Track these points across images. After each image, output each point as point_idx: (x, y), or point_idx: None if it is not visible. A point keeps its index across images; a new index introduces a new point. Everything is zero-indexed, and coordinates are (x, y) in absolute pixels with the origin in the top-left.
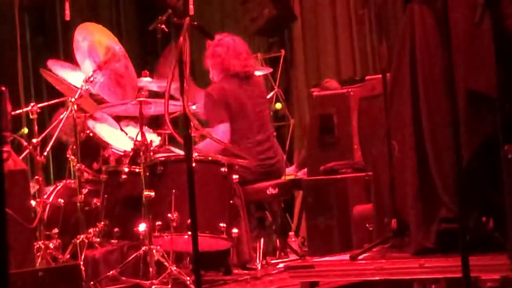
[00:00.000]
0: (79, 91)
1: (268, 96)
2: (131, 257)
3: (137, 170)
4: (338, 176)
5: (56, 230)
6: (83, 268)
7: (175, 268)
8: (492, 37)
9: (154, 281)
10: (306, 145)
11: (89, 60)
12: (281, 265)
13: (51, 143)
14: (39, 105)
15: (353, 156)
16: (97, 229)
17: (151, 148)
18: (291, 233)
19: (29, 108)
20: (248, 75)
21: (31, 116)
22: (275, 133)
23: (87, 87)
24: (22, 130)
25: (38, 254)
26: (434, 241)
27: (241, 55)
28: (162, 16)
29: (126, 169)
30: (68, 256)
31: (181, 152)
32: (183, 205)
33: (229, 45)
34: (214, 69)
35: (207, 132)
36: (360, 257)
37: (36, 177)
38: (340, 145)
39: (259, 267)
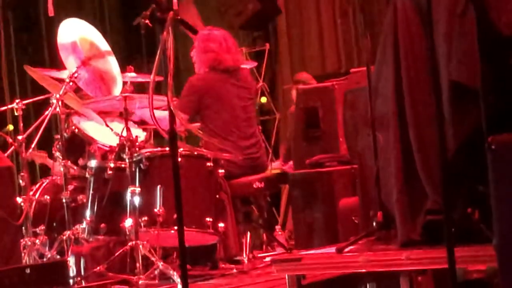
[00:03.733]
0: (63, 87)
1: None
2: (117, 253)
3: (123, 165)
4: (324, 170)
5: (42, 227)
6: (70, 265)
7: (162, 263)
8: (476, 29)
9: (141, 276)
10: (289, 137)
11: (73, 56)
12: (268, 259)
13: (36, 140)
14: (24, 101)
15: (338, 149)
16: (83, 225)
17: (137, 144)
18: (278, 227)
19: (14, 105)
20: (236, 68)
21: (16, 113)
22: (260, 128)
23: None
24: (7, 127)
25: (25, 251)
26: (420, 233)
27: (232, 49)
28: (146, 11)
29: (112, 165)
30: (55, 252)
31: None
32: (169, 200)
33: (221, 40)
34: (203, 63)
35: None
36: (346, 249)
37: (22, 173)
38: (326, 139)
39: (246, 261)
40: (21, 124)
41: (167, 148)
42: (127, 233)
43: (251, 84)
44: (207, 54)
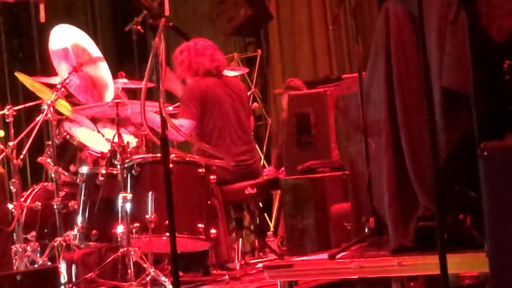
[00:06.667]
0: (55, 93)
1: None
2: (109, 259)
3: (114, 172)
4: (316, 175)
5: (33, 233)
6: (61, 271)
7: (153, 269)
8: (467, 36)
9: (132, 282)
10: (281, 144)
11: (64, 63)
12: (260, 265)
13: (27, 146)
14: (15, 108)
15: (330, 155)
16: (75, 231)
17: (128, 150)
18: (270, 233)
19: (5, 111)
20: (219, 70)
21: (7, 119)
22: (253, 134)
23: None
24: None
25: (16, 257)
26: (412, 239)
27: (206, 51)
28: (138, 17)
29: (103, 171)
30: (46, 259)
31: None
32: (160, 206)
33: (190, 47)
34: (186, 76)
35: (171, 122)
36: (338, 256)
37: (13, 180)
38: (317, 144)
39: (238, 267)
40: (12, 130)
41: (159, 154)
42: (119, 239)
43: (241, 91)
44: (182, 66)
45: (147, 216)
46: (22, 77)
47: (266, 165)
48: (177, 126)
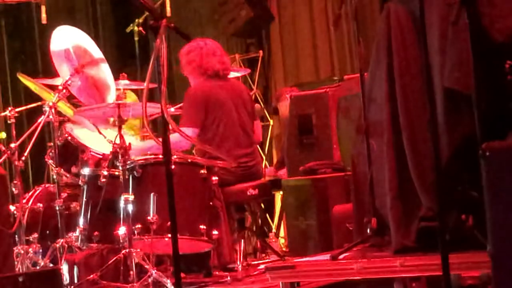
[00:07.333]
0: (56, 95)
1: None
2: (111, 261)
3: (116, 173)
4: (318, 176)
5: (35, 235)
6: (63, 273)
7: (155, 271)
8: (469, 36)
9: (134, 284)
10: (283, 144)
11: (66, 64)
12: (262, 266)
13: (29, 148)
14: (17, 109)
15: (332, 156)
16: (76, 233)
17: (130, 151)
18: (272, 234)
19: (7, 112)
20: (226, 73)
21: (8, 121)
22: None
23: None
24: (0, 134)
25: (18, 259)
26: (414, 240)
27: (216, 52)
28: (139, 18)
29: (105, 173)
30: (48, 260)
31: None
32: (162, 208)
33: (201, 47)
34: (192, 75)
35: (177, 127)
36: (340, 256)
37: (15, 181)
38: (319, 145)
39: (240, 269)
40: (14, 132)
41: (161, 156)
42: (121, 241)
43: (244, 93)
44: (191, 65)
45: (149, 218)
46: (24, 79)
47: (268, 166)
48: (183, 132)
